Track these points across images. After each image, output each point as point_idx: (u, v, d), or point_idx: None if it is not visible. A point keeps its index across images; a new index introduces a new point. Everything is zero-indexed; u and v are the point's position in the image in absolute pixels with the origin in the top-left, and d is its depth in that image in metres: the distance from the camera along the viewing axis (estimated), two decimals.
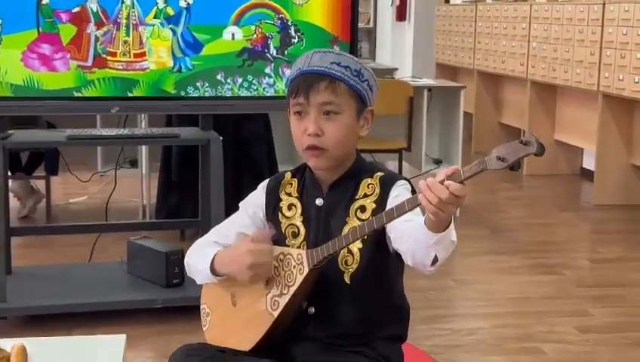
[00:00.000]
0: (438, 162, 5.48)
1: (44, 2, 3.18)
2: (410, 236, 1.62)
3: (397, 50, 10.26)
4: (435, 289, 3.83)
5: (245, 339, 1.78)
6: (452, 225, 1.55)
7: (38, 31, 3.19)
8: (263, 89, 3.42)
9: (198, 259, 1.88)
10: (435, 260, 1.59)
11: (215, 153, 3.43)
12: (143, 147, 4.83)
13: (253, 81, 3.40)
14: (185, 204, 4.50)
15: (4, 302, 3.23)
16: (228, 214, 3.26)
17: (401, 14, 10.01)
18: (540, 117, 6.65)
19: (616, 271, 4.24)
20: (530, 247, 4.64)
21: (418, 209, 1.66)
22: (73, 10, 3.21)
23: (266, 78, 3.41)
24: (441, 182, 1.48)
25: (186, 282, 3.48)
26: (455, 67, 8.61)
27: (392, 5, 10.25)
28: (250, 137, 4.51)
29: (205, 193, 3.69)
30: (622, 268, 4.27)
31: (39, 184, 5.06)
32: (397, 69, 7.41)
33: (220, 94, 3.38)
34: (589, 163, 6.49)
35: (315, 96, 1.75)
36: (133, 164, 4.98)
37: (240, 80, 3.39)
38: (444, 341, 3.28)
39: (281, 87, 3.42)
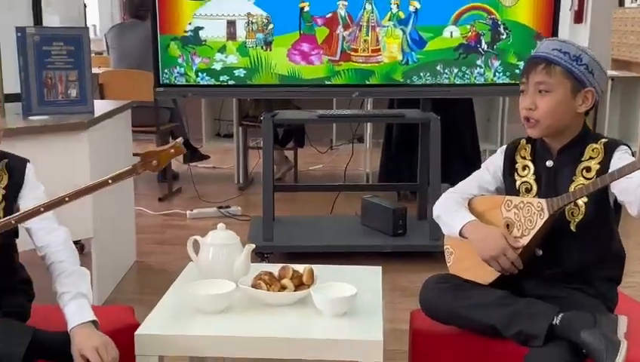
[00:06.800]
0: None
1: (305, 10, 3.32)
2: (637, 187, 1.57)
3: None
4: None
5: (486, 274, 1.79)
6: None
7: (300, 33, 3.34)
8: (474, 78, 3.39)
9: (450, 215, 1.86)
10: None
11: (434, 130, 3.44)
12: (369, 125, 4.92)
13: (467, 71, 3.38)
14: (402, 171, 4.55)
15: (272, 241, 3.44)
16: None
17: (579, 17, 9.46)
18: None
19: None
20: None
21: None
22: (327, 16, 3.33)
23: (477, 68, 3.37)
24: None
25: (408, 232, 3.54)
26: (629, 62, 8.00)
27: (570, 9, 9.69)
28: (457, 117, 4.47)
29: (424, 162, 3.72)
30: None
31: (288, 154, 5.29)
32: None
33: (438, 82, 3.38)
34: None
35: (532, 76, 1.75)
36: (359, 140, 5.10)
37: (455, 70, 3.37)
38: (631, 292, 3.10)
39: (490, 76, 3.37)
